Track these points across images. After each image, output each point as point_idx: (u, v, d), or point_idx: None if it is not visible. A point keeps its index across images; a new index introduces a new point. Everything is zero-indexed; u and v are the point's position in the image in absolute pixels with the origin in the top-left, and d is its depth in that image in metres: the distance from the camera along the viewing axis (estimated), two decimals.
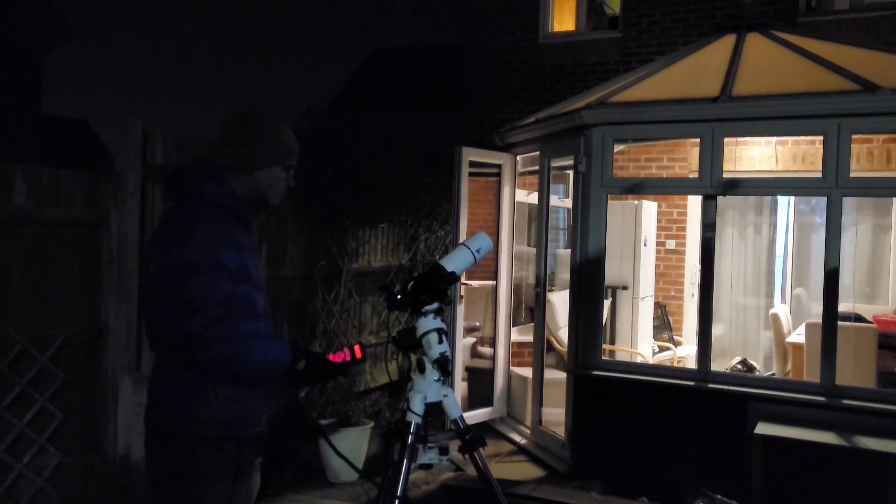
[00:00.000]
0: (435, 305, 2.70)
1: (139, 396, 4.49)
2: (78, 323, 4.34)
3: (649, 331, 7.37)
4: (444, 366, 2.67)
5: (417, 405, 2.69)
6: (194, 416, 2.31)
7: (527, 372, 6.47)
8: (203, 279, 2.23)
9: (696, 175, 5.47)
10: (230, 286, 2.28)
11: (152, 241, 2.43)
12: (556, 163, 6.20)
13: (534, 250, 6.68)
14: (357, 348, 2.51)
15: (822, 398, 4.80)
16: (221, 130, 2.45)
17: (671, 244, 7.83)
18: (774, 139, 7.13)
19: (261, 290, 2.43)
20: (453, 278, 2.73)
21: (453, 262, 2.76)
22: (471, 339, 7.10)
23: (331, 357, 2.48)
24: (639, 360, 6.82)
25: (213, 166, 2.44)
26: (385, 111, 11.47)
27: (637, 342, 7.08)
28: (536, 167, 6.39)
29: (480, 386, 6.80)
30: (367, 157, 6.33)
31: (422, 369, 2.70)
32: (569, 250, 6.25)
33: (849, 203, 5.99)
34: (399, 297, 2.71)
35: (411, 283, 2.73)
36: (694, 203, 7.44)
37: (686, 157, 7.49)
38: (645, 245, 7.23)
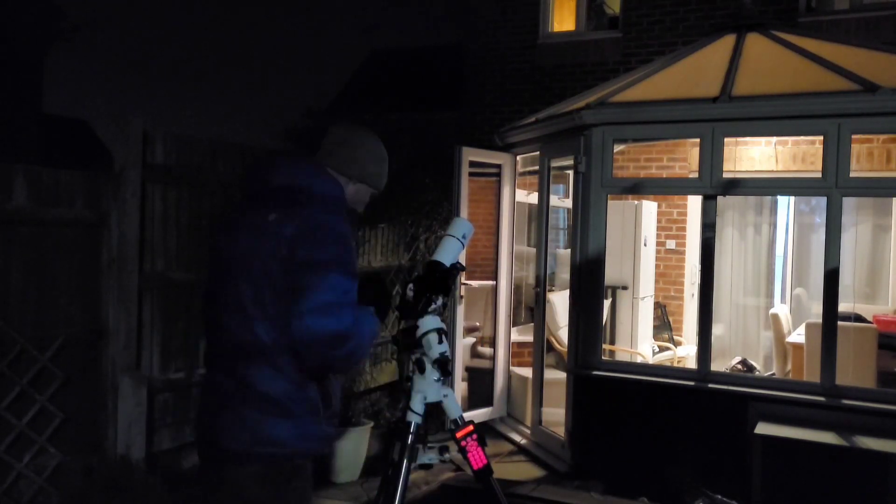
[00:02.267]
0: (440, 301, 2.71)
1: (139, 396, 4.49)
2: (78, 323, 4.33)
3: (649, 331, 7.37)
4: (444, 366, 2.67)
5: (417, 405, 2.69)
6: (305, 433, 2.29)
7: (527, 372, 6.47)
8: (341, 277, 2.24)
9: (696, 175, 5.47)
10: (355, 284, 2.32)
11: (241, 234, 2.34)
12: (556, 163, 6.20)
13: (534, 250, 6.68)
14: None
15: (822, 398, 4.80)
16: (341, 135, 2.53)
17: (671, 244, 7.83)
18: (774, 139, 7.13)
19: None
20: (456, 269, 2.75)
21: (446, 254, 2.76)
22: (471, 339, 7.10)
23: None
24: (639, 360, 6.82)
25: (320, 165, 2.47)
26: (385, 111, 11.46)
27: (637, 342, 7.08)
28: (536, 167, 6.39)
29: (480, 386, 6.80)
30: None
31: (422, 369, 2.70)
32: (569, 250, 6.25)
33: (849, 203, 6.00)
34: (411, 303, 2.71)
35: (413, 286, 2.72)
36: (694, 203, 7.45)
37: (686, 157, 7.49)
38: (645, 245, 7.23)
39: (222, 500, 2.31)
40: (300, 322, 2.18)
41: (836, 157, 4.83)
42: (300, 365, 2.26)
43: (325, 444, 2.38)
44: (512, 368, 6.75)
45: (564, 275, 7.22)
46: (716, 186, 5.15)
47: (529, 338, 6.59)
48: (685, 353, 7.24)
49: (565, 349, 6.04)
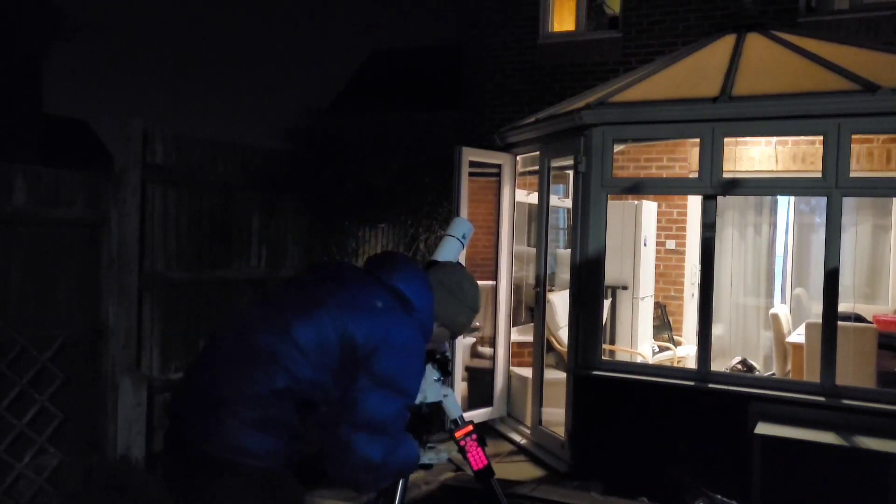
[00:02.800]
0: None
1: (139, 396, 4.49)
2: (78, 323, 4.34)
3: (649, 331, 7.37)
4: (444, 366, 2.67)
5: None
6: (283, 454, 2.26)
7: (527, 372, 6.47)
8: (400, 402, 2.25)
9: (696, 175, 5.47)
10: (408, 414, 2.33)
11: (342, 292, 2.30)
12: (556, 163, 6.20)
13: (534, 250, 6.68)
14: None
15: (822, 398, 4.80)
16: (440, 276, 2.50)
17: (671, 244, 7.83)
18: (774, 139, 7.13)
19: None
20: None
21: (446, 254, 2.76)
22: (471, 339, 7.10)
23: None
24: (639, 360, 6.82)
25: (430, 294, 2.43)
26: (385, 111, 11.47)
27: (637, 342, 7.08)
28: (536, 167, 6.39)
29: (480, 386, 6.80)
30: (367, 157, 6.33)
31: None
32: (569, 250, 6.25)
33: (849, 203, 5.99)
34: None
35: None
36: (694, 203, 7.44)
37: (686, 157, 7.49)
38: (645, 245, 7.23)
39: None
40: (346, 430, 2.18)
41: (836, 157, 4.83)
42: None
43: (291, 467, 2.34)
44: (512, 368, 6.75)
45: (564, 275, 7.22)
46: (716, 186, 5.15)
47: (529, 338, 6.59)
48: (685, 353, 7.24)
49: (565, 349, 6.04)
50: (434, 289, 2.45)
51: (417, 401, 2.67)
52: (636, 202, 7.18)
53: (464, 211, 6.19)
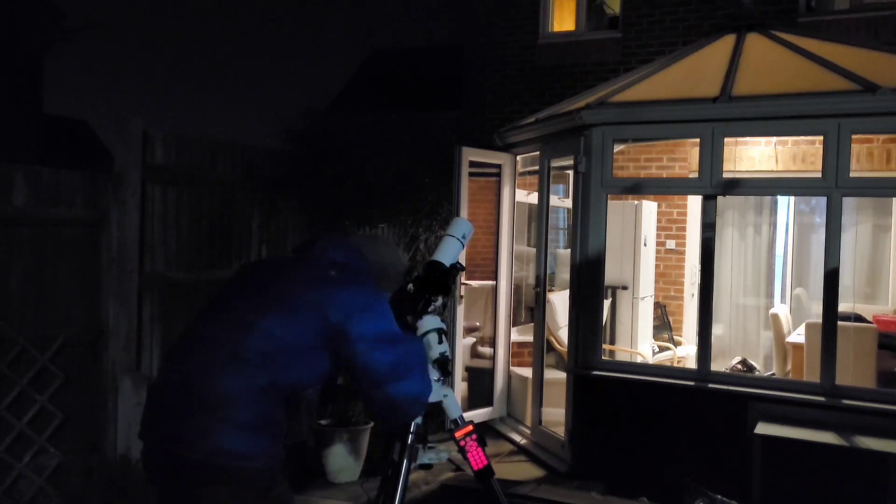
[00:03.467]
0: (439, 301, 2.71)
1: (139, 396, 4.49)
2: (78, 323, 4.34)
3: (649, 331, 7.37)
4: (444, 366, 2.67)
5: None
6: (272, 453, 2.33)
7: (527, 372, 6.47)
8: (396, 348, 2.40)
9: (696, 175, 5.47)
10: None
11: (299, 276, 2.45)
12: (556, 163, 6.20)
13: (534, 250, 6.68)
14: None
15: (821, 398, 4.80)
16: (379, 253, 2.66)
17: (671, 244, 7.83)
18: (774, 139, 7.13)
19: None
20: (457, 269, 2.75)
21: (446, 254, 2.76)
22: (471, 339, 7.10)
23: None
24: (639, 360, 6.82)
25: (358, 251, 2.60)
26: (385, 111, 11.46)
27: (637, 342, 7.08)
28: (536, 167, 6.39)
29: (480, 386, 6.80)
30: (367, 157, 6.32)
31: None
32: (569, 250, 6.25)
33: (849, 203, 6.00)
34: (411, 304, 2.71)
35: (412, 286, 2.72)
36: (694, 203, 7.44)
37: (686, 157, 7.49)
38: (645, 245, 7.23)
39: None
40: (384, 391, 2.34)
41: (836, 157, 4.83)
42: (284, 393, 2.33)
43: (281, 463, 2.40)
44: (512, 368, 6.75)
45: (564, 275, 7.22)
46: (716, 186, 5.15)
47: (529, 338, 6.59)
48: (685, 353, 7.24)
49: (565, 349, 6.04)
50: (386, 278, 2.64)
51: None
52: (636, 202, 7.18)
53: (464, 211, 6.19)
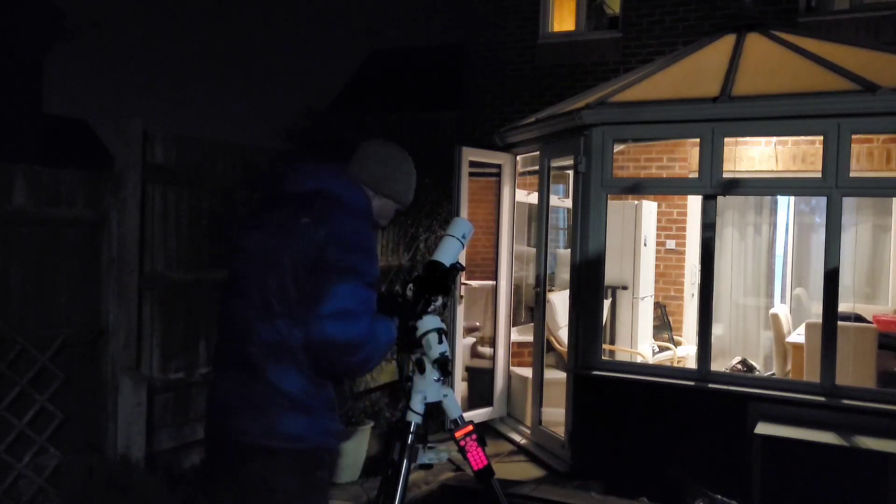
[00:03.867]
0: (439, 301, 2.71)
1: (139, 396, 4.49)
2: (78, 323, 4.33)
3: (649, 331, 7.37)
4: (444, 366, 2.67)
5: (417, 405, 2.69)
6: (323, 429, 2.34)
7: (527, 372, 6.47)
8: (363, 287, 2.30)
9: (696, 175, 5.47)
10: (374, 294, 2.38)
11: (271, 233, 2.38)
12: (556, 163, 6.20)
13: (534, 250, 6.68)
14: None
15: (822, 398, 4.80)
16: (373, 150, 2.60)
17: (671, 244, 7.83)
18: (774, 139, 7.13)
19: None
20: (456, 269, 2.75)
21: (446, 254, 2.76)
22: (471, 339, 7.10)
23: None
24: (639, 360, 6.82)
25: (351, 175, 2.54)
26: (385, 111, 11.46)
27: (637, 342, 7.08)
28: (536, 167, 6.39)
29: (480, 386, 6.80)
30: None
31: (422, 369, 2.69)
32: (569, 250, 6.25)
33: (849, 203, 6.00)
34: (411, 304, 2.71)
35: (412, 286, 2.72)
36: (694, 203, 7.45)
37: (686, 157, 7.49)
38: (645, 245, 7.23)
39: (249, 497, 2.34)
40: (319, 325, 2.22)
41: (836, 157, 4.83)
42: (313, 365, 2.30)
43: (339, 438, 2.44)
44: (512, 368, 6.75)
45: (564, 275, 7.23)
46: (716, 186, 5.15)
47: (529, 338, 6.59)
48: (685, 353, 7.24)
49: (565, 349, 6.04)
50: (365, 168, 2.56)
51: (419, 399, 2.69)
52: (636, 202, 7.18)
53: (464, 211, 6.19)
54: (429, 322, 2.69)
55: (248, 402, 2.33)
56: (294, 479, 2.32)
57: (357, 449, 5.35)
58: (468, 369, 6.92)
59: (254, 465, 2.32)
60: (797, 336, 6.38)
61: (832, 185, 4.84)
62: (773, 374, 6.80)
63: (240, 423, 2.33)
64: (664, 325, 7.64)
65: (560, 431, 5.73)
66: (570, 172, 6.24)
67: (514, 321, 6.96)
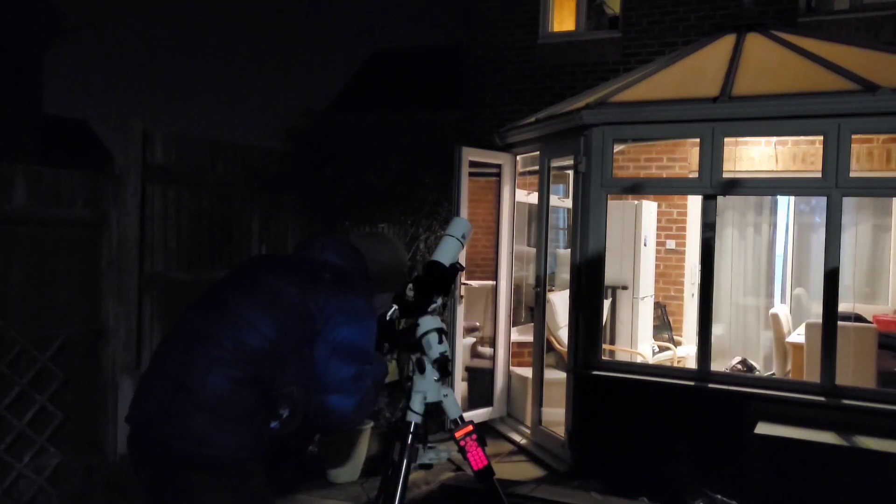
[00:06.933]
0: (439, 301, 2.71)
1: None
2: (78, 323, 4.34)
3: (649, 331, 7.37)
4: (444, 366, 2.67)
5: (417, 405, 2.69)
6: (249, 445, 2.32)
7: (527, 372, 6.47)
8: (359, 365, 2.39)
9: (696, 175, 5.47)
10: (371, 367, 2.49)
11: (292, 275, 2.47)
12: (556, 163, 6.20)
13: (534, 250, 6.68)
14: None
15: (822, 398, 4.80)
16: (378, 252, 2.71)
17: (671, 244, 7.83)
18: (774, 139, 7.13)
19: None
20: (456, 269, 2.75)
21: (446, 254, 2.77)
22: (471, 339, 7.10)
23: None
24: (639, 359, 6.82)
25: (357, 254, 2.64)
26: (385, 111, 11.45)
27: (637, 342, 7.08)
28: (536, 167, 6.39)
29: (480, 386, 6.80)
30: (367, 157, 6.33)
31: (421, 369, 2.70)
32: (569, 250, 6.25)
33: (849, 203, 5.99)
34: (412, 303, 2.71)
35: (412, 286, 2.72)
36: (694, 203, 7.44)
37: (686, 157, 7.49)
38: (645, 245, 7.23)
39: None
40: (322, 398, 2.35)
41: (836, 157, 4.83)
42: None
43: (266, 444, 2.39)
44: (512, 368, 6.75)
45: (564, 275, 7.22)
46: (716, 186, 5.15)
47: (529, 338, 6.59)
48: (685, 353, 7.24)
49: (565, 349, 6.04)
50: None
51: (419, 399, 2.69)
52: (636, 202, 7.18)
53: (464, 211, 6.19)
54: (429, 322, 2.69)
55: (173, 411, 2.27)
56: (222, 494, 2.27)
57: (357, 449, 5.35)
58: (468, 369, 6.92)
59: (179, 476, 2.28)
60: (797, 336, 6.38)
61: (832, 185, 4.84)
62: (773, 374, 6.80)
63: (167, 431, 2.27)
64: (664, 325, 7.64)
65: (560, 431, 5.73)
66: (570, 172, 6.23)
67: (514, 321, 6.95)
